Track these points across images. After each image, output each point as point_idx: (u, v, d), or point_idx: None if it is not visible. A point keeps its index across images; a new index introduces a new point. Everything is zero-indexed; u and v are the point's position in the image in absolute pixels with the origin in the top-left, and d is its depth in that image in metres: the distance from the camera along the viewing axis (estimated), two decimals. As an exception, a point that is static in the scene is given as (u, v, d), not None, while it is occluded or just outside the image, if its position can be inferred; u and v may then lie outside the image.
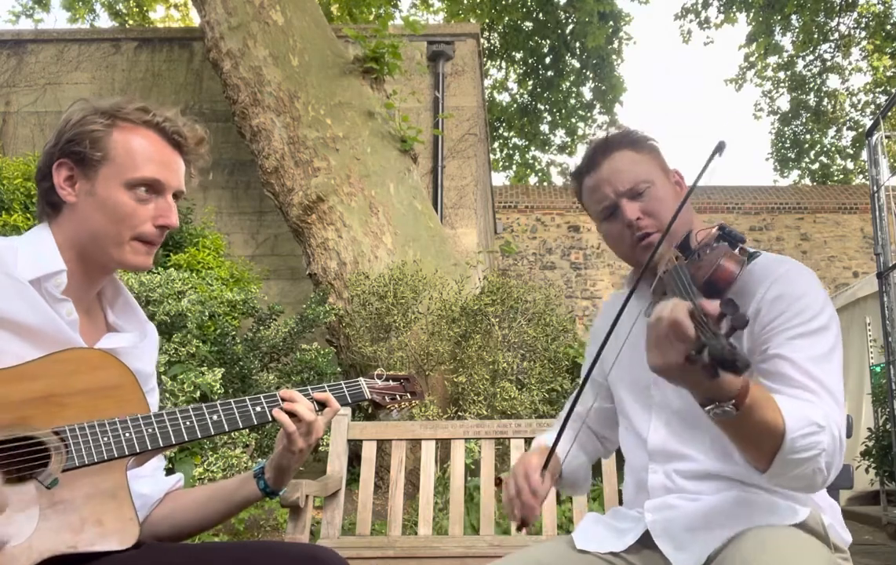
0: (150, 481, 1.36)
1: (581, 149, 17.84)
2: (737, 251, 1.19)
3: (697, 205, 12.70)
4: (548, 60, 15.61)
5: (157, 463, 1.39)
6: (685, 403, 1.30)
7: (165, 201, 1.25)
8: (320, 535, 2.65)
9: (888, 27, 14.43)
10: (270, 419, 1.28)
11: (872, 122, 5.70)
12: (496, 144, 17.18)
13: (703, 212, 12.72)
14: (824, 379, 1.16)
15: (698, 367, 0.91)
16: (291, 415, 1.29)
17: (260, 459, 3.78)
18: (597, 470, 2.99)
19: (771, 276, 1.25)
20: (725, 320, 0.92)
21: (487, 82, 15.95)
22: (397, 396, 1.48)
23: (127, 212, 1.21)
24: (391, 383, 1.49)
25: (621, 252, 1.42)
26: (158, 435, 1.16)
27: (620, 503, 1.54)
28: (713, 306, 0.93)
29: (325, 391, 1.35)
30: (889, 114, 5.81)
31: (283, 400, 1.29)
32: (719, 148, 1.09)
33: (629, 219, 1.35)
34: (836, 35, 15.29)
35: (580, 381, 1.48)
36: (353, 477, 3.03)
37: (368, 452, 2.82)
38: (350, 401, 1.40)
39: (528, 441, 3.12)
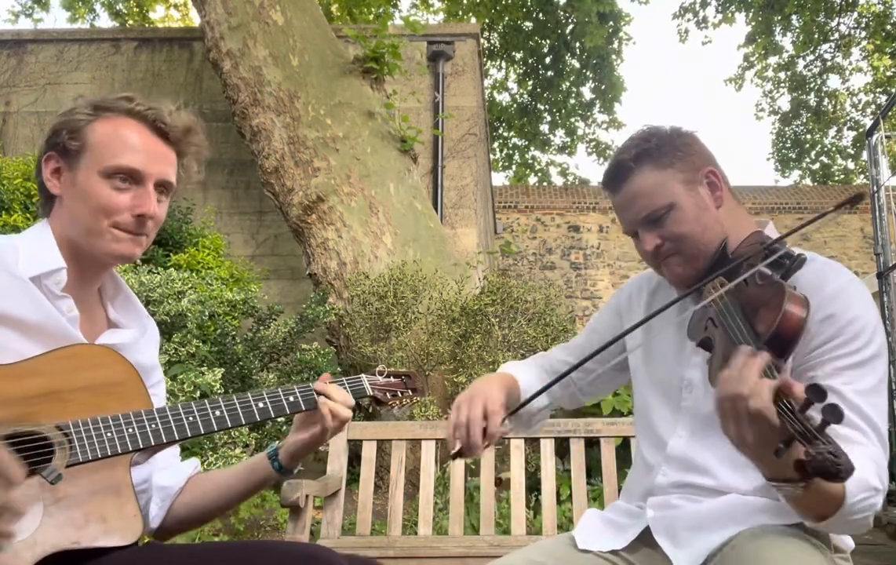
0: (169, 472, 1.37)
1: (581, 150, 17.86)
2: (795, 289, 1.09)
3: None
4: (548, 60, 15.62)
5: (173, 452, 1.40)
6: (713, 414, 1.24)
7: (145, 190, 1.23)
8: (320, 535, 2.65)
9: (888, 27, 14.44)
10: (272, 416, 1.28)
11: (872, 122, 5.70)
12: (496, 144, 17.19)
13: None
14: (873, 416, 1.12)
15: (786, 460, 0.87)
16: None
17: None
18: (597, 469, 2.99)
19: (823, 290, 1.16)
20: (814, 408, 0.86)
21: (487, 82, 15.96)
22: (399, 393, 1.48)
23: (102, 201, 1.20)
24: (392, 380, 1.49)
25: (648, 264, 1.37)
26: (161, 430, 1.17)
27: (619, 494, 1.52)
28: (798, 390, 0.88)
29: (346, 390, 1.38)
30: (889, 114, 5.81)
31: (318, 393, 1.33)
32: (856, 199, 1.07)
33: (646, 250, 1.30)
34: (837, 35, 15.30)
35: (581, 345, 1.46)
36: (353, 477, 3.03)
37: (368, 452, 2.82)
38: (352, 397, 1.41)
39: (528, 441, 3.13)
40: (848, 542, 1.28)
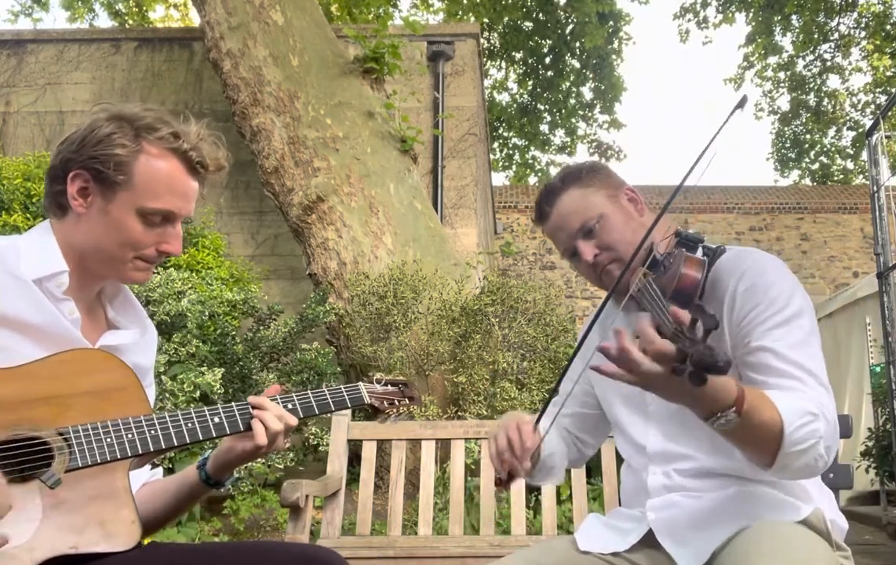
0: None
1: (581, 150, 17.86)
2: (697, 254, 1.20)
3: (697, 206, 12.71)
4: (548, 60, 15.60)
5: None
6: (679, 407, 1.31)
7: (174, 228, 1.26)
8: (320, 535, 2.65)
9: (888, 27, 14.44)
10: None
11: (872, 122, 5.70)
12: (496, 144, 17.17)
13: (703, 212, 12.74)
14: (807, 363, 1.19)
15: (685, 378, 0.93)
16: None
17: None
18: (597, 470, 2.99)
19: (738, 270, 1.28)
20: (698, 325, 0.94)
21: (487, 82, 15.95)
22: (396, 402, 1.49)
23: (134, 237, 1.22)
24: (389, 388, 1.50)
25: (590, 280, 1.46)
26: (161, 436, 1.17)
27: (620, 504, 1.54)
28: (683, 314, 0.96)
29: (297, 410, 1.32)
30: (889, 114, 5.81)
31: (253, 407, 1.26)
32: (741, 103, 1.13)
33: (586, 260, 1.39)
34: (836, 35, 15.29)
35: (561, 380, 1.46)
36: (353, 477, 3.03)
37: (368, 452, 2.82)
38: (350, 405, 1.41)
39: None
40: (842, 526, 1.30)
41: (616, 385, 1.42)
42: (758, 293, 1.25)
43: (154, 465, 1.43)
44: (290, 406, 1.31)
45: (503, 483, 1.37)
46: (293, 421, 1.29)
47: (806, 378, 1.18)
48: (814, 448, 1.11)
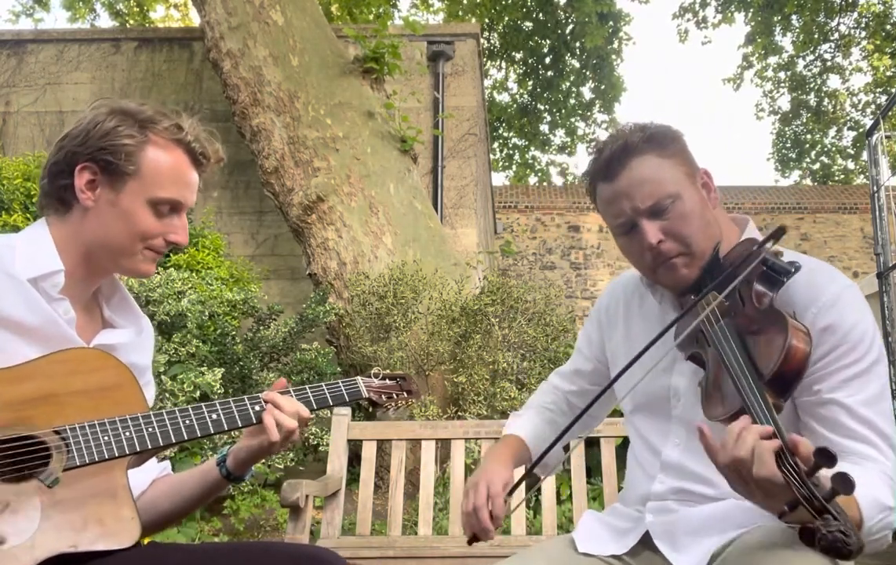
0: (136, 470, 1.35)
1: (581, 150, 17.82)
2: (795, 317, 1.05)
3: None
4: (548, 60, 15.61)
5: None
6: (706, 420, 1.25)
7: (180, 219, 1.27)
8: (320, 535, 2.65)
9: (888, 27, 14.44)
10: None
11: (872, 122, 5.70)
12: (496, 144, 17.19)
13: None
14: (881, 425, 1.10)
15: (794, 519, 0.85)
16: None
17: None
18: (597, 469, 2.99)
19: (819, 300, 1.13)
20: (822, 473, 0.83)
21: (487, 82, 15.96)
22: (394, 395, 1.49)
23: (144, 227, 1.23)
24: (388, 382, 1.50)
25: (640, 267, 1.30)
26: (158, 434, 1.17)
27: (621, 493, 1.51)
28: (805, 450, 0.86)
29: (309, 399, 1.34)
30: (889, 114, 5.81)
31: (265, 402, 1.28)
32: (777, 234, 1.05)
33: (650, 243, 1.20)
34: (836, 35, 15.29)
35: (539, 462, 1.42)
36: (353, 477, 3.03)
37: (368, 452, 2.82)
38: (348, 399, 1.41)
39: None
40: None
41: (636, 379, 1.26)
42: (837, 334, 1.10)
43: (161, 459, 1.44)
44: None
45: (469, 541, 1.36)
46: (306, 412, 1.30)
47: (880, 443, 1.09)
48: (884, 538, 1.04)
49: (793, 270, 1.11)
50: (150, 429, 1.16)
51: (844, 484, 0.80)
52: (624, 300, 1.44)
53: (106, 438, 1.12)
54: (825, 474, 0.83)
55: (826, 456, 0.82)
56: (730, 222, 1.31)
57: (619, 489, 2.58)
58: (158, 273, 4.23)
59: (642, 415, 1.37)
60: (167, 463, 1.44)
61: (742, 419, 0.96)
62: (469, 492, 1.35)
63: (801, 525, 0.84)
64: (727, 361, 1.03)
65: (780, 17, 14.75)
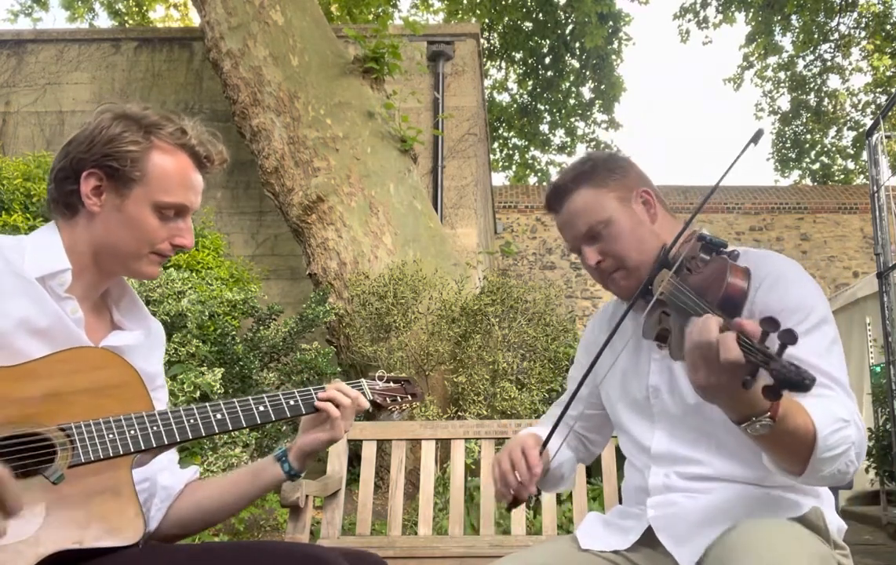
0: (169, 473, 1.38)
1: (581, 150, 17.85)
2: (735, 261, 1.19)
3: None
4: (547, 60, 15.60)
5: (172, 455, 1.42)
6: (686, 410, 1.32)
7: (185, 223, 1.28)
8: (320, 535, 2.65)
9: (888, 27, 14.44)
10: (272, 419, 1.29)
11: (872, 122, 5.70)
12: (496, 144, 17.18)
13: (703, 212, 12.72)
14: (832, 371, 1.19)
15: (754, 390, 0.93)
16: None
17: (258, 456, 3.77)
18: (597, 469, 2.99)
19: (759, 275, 1.26)
20: (769, 338, 0.93)
21: (487, 82, 15.96)
22: (398, 398, 1.50)
23: (150, 232, 1.24)
24: (391, 385, 1.50)
25: (598, 283, 1.46)
26: (163, 432, 1.17)
27: (620, 502, 1.54)
28: (753, 327, 0.96)
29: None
30: (889, 114, 5.81)
31: (317, 396, 1.35)
32: (756, 137, 1.14)
33: (589, 264, 1.40)
34: (836, 35, 15.28)
35: (570, 389, 1.48)
36: (353, 477, 3.03)
37: (368, 452, 2.82)
38: None
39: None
40: (839, 524, 1.30)
41: (618, 385, 1.45)
42: (781, 300, 1.23)
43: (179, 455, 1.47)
44: (291, 402, 1.32)
45: (507, 507, 1.38)
46: (365, 403, 1.39)
47: (833, 385, 1.18)
48: (845, 454, 1.10)
49: (730, 250, 1.24)
50: (154, 428, 1.17)
51: (790, 335, 0.91)
52: (606, 321, 1.59)
53: (111, 436, 1.12)
54: (773, 340, 0.94)
55: (769, 322, 0.93)
56: (677, 225, 1.43)
57: (619, 489, 2.58)
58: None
59: (629, 410, 1.45)
60: (197, 468, 1.46)
61: (702, 316, 1.05)
62: (499, 460, 1.38)
63: (762, 390, 0.93)
64: (684, 304, 1.13)
65: (780, 17, 14.74)
